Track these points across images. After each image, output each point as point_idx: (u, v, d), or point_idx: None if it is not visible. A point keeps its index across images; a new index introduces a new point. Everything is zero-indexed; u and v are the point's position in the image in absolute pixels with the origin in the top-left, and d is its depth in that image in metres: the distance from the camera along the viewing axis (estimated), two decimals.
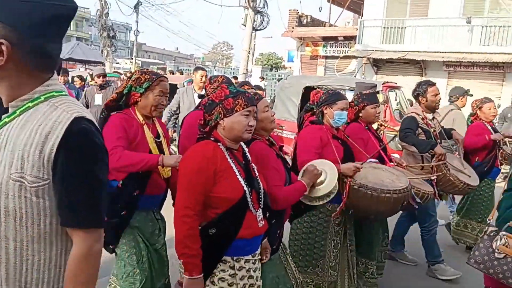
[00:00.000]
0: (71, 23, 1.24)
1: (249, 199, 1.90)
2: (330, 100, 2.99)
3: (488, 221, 2.32)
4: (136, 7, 23.58)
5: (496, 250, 2.07)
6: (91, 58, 19.63)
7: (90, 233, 1.22)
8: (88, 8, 44.12)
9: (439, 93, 3.94)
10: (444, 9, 15.51)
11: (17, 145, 1.15)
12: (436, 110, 4.11)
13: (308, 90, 8.94)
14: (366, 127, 3.45)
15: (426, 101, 3.89)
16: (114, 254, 2.47)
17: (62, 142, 1.14)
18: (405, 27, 16.37)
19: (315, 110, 3.09)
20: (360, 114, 3.45)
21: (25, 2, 1.10)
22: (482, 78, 14.96)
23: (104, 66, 15.42)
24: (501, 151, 4.47)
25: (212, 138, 1.95)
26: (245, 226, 1.89)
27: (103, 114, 2.44)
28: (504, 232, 2.10)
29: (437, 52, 15.16)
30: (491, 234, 2.15)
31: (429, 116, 3.96)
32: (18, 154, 1.15)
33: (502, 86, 14.65)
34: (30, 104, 1.19)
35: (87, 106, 6.58)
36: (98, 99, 6.65)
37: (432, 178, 3.52)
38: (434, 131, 3.91)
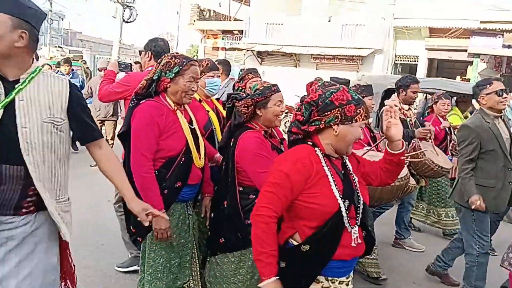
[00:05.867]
0: None
1: (344, 214, 1.67)
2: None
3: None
4: None
5: None
6: None
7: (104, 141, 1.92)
8: None
9: (419, 91, 4.16)
10: (313, 9, 17.87)
11: (42, 100, 1.68)
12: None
13: None
14: None
15: (406, 95, 4.08)
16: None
17: (69, 95, 1.76)
18: (283, 24, 18.60)
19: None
20: None
21: (33, 9, 1.67)
22: (342, 69, 17.41)
23: None
24: (452, 142, 4.59)
25: (309, 143, 1.77)
26: (342, 244, 1.69)
27: (133, 102, 2.30)
28: None
29: (305, 46, 17.52)
30: None
31: (405, 107, 4.14)
32: (45, 105, 1.68)
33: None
34: (33, 75, 1.69)
35: (91, 96, 6.97)
36: None
37: (406, 162, 3.79)
38: (410, 120, 4.12)
